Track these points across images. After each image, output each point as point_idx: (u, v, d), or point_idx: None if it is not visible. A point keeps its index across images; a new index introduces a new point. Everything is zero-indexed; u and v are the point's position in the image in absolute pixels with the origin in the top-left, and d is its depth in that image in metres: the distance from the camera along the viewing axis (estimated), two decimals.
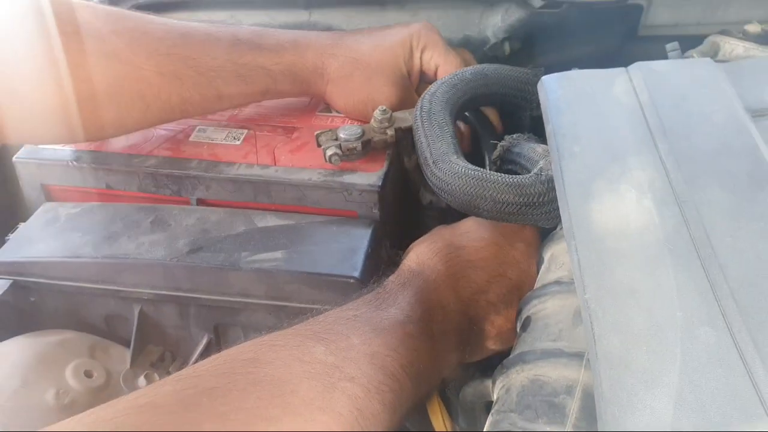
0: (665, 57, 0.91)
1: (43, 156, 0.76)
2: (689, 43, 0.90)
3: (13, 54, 0.65)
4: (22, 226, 0.73)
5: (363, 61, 0.76)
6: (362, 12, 0.91)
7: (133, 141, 0.77)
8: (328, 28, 0.92)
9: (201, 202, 0.74)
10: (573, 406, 0.48)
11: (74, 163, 0.75)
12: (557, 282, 0.57)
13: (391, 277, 0.60)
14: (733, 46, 0.79)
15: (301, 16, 0.92)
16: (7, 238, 0.72)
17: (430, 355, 0.54)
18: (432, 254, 0.62)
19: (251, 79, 0.74)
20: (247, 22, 0.92)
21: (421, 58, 0.79)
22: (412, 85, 0.80)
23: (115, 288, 0.67)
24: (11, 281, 0.67)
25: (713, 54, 0.80)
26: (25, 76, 0.66)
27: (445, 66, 0.78)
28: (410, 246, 0.67)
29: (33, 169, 0.76)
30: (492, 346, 0.63)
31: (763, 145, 0.58)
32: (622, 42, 0.91)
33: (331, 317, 0.54)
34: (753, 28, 0.82)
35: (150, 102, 0.71)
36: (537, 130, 0.71)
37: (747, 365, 0.42)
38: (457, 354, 0.58)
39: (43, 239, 0.70)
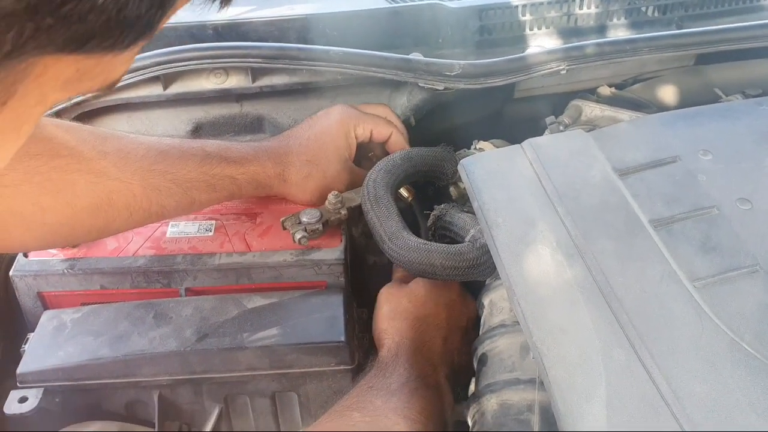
0: (536, 112, 1.12)
1: (38, 268, 0.85)
2: (552, 99, 1.11)
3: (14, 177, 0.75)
4: (31, 336, 0.82)
5: (314, 160, 0.91)
6: (287, 101, 1.05)
7: (116, 244, 0.88)
8: (259, 117, 1.05)
9: (189, 291, 0.87)
10: (535, 419, 0.67)
11: (69, 270, 0.85)
12: (502, 325, 0.76)
13: (383, 352, 0.78)
14: (592, 108, 1.01)
15: (233, 108, 1.05)
16: (22, 349, 0.81)
17: (433, 399, 0.72)
18: (408, 329, 0.80)
19: (220, 187, 0.87)
20: (185, 117, 1.04)
21: (355, 135, 0.95)
22: (352, 160, 0.96)
23: (135, 380, 0.79)
24: (43, 389, 0.77)
25: (577, 116, 1.01)
26: (26, 196, 0.76)
27: (377, 128, 0.95)
28: (378, 318, 0.84)
29: (29, 281, 0.85)
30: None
31: (631, 200, 0.77)
32: (502, 104, 1.12)
33: (356, 393, 0.72)
34: (604, 91, 1.04)
35: (133, 211, 0.83)
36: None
37: (648, 372, 0.60)
38: (449, 392, 0.76)
39: (60, 346, 0.79)
